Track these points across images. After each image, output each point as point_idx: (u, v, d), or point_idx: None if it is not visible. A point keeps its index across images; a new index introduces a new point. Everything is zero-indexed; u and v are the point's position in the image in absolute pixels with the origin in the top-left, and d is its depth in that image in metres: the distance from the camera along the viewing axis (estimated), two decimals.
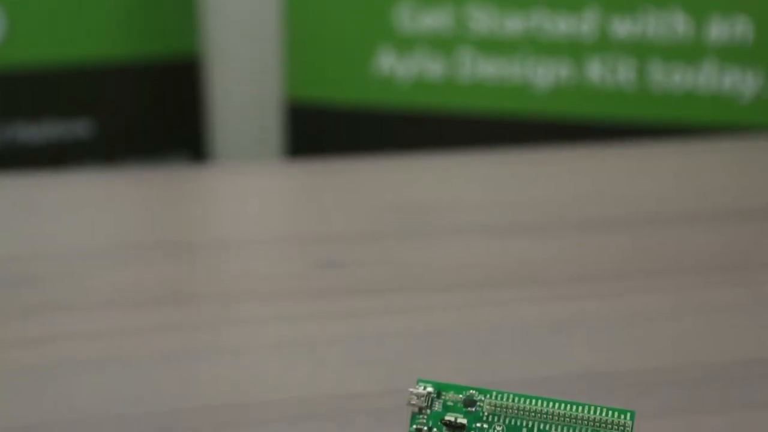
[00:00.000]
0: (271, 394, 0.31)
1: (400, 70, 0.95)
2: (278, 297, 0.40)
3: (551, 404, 0.23)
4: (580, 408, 0.23)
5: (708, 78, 0.86)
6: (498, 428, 0.24)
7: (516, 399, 0.24)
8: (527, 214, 0.49)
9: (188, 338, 0.35)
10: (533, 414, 0.23)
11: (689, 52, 0.86)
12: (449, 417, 0.24)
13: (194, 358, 0.34)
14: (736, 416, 0.29)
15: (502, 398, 0.24)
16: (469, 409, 0.24)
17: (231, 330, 0.36)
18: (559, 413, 0.23)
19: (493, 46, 0.92)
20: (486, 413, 0.24)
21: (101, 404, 0.30)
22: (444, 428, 0.24)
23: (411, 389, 0.24)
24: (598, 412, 0.23)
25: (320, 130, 0.98)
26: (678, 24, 0.86)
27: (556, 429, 0.23)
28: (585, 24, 0.89)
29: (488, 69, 0.92)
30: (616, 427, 0.23)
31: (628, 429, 0.23)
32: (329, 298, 0.39)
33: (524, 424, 0.23)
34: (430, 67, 0.94)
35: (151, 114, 1.04)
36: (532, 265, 0.42)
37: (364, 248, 0.44)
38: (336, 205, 0.52)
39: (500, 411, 0.24)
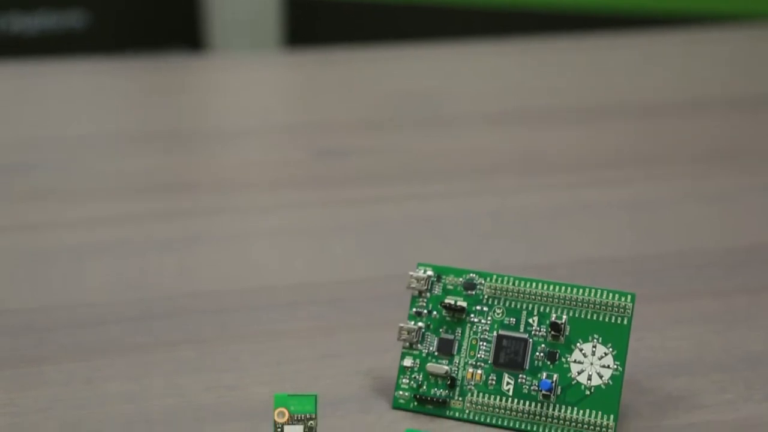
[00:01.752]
0: (272, 280, 0.31)
1: None
2: (278, 185, 0.40)
3: (551, 287, 0.23)
4: (581, 290, 0.23)
5: None
6: (498, 311, 0.24)
7: (516, 282, 0.24)
8: (529, 102, 0.49)
9: (189, 226, 0.35)
10: (533, 297, 0.23)
11: None
12: (449, 300, 0.24)
13: (195, 246, 0.34)
14: (737, 300, 0.29)
15: (502, 281, 0.24)
16: (469, 292, 0.24)
17: (231, 218, 0.36)
18: (559, 296, 0.23)
19: None
20: (486, 296, 0.24)
21: (100, 289, 0.30)
22: (444, 311, 0.24)
23: (411, 273, 0.24)
24: (598, 295, 0.23)
25: (320, 20, 0.97)
26: None
27: (555, 311, 0.23)
28: None
29: None
30: (616, 309, 0.23)
31: (629, 311, 0.23)
32: (329, 186, 0.39)
33: (524, 306, 0.23)
34: None
35: (147, 4, 1.02)
36: (533, 153, 0.42)
37: (364, 137, 0.44)
38: (336, 94, 0.51)
39: (500, 294, 0.24)
